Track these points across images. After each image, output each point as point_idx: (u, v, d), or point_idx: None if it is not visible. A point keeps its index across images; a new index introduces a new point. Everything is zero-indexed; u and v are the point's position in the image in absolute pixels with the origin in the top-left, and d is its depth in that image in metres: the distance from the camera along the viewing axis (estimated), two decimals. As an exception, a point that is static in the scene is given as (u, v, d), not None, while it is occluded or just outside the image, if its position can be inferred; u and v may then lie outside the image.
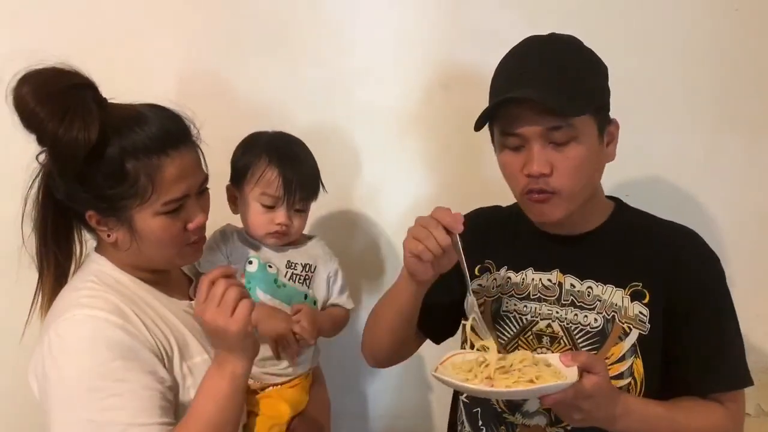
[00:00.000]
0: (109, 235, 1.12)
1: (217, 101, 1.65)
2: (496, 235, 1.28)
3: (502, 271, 1.24)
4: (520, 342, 1.18)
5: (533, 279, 1.20)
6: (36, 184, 1.12)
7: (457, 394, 1.32)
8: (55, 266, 1.15)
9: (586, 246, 1.18)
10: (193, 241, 1.17)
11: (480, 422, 1.22)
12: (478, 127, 1.12)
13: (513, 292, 1.21)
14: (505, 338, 1.19)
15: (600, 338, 1.12)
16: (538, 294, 1.18)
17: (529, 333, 1.17)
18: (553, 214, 1.11)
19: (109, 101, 1.09)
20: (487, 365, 1.02)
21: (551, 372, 0.98)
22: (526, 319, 1.19)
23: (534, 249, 1.22)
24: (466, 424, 1.25)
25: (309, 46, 1.66)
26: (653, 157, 1.58)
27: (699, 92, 1.59)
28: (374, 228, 1.74)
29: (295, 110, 1.65)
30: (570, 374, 0.97)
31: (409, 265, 1.10)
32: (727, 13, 1.57)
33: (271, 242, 1.35)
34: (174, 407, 1.10)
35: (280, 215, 1.31)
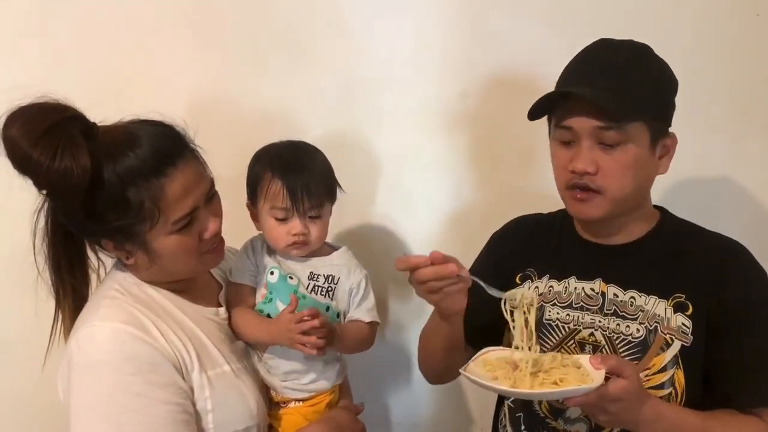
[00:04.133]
0: (128, 257, 1.13)
1: (236, 110, 1.64)
2: (538, 244, 1.30)
3: (545, 279, 1.26)
4: (562, 350, 1.20)
5: (576, 288, 1.22)
6: (43, 217, 1.11)
7: (501, 398, 1.35)
8: (72, 295, 1.15)
9: (630, 256, 1.20)
10: (212, 248, 1.17)
11: (522, 426, 1.25)
12: (532, 116, 1.15)
13: (556, 300, 1.24)
14: (548, 346, 1.22)
15: (641, 348, 1.14)
16: (581, 303, 1.21)
17: (572, 341, 1.20)
18: (593, 212, 1.13)
19: (99, 125, 1.07)
20: (517, 365, 1.06)
21: (578, 374, 1.01)
22: (568, 327, 1.21)
23: (577, 258, 1.24)
24: (508, 427, 1.28)
25: (327, 54, 1.65)
26: (672, 162, 1.57)
27: (719, 97, 1.58)
28: (392, 234, 1.74)
29: (314, 118, 1.65)
30: (597, 377, 0.99)
31: (437, 306, 1.14)
32: (748, 18, 1.55)
33: (294, 254, 1.32)
34: (195, 418, 1.11)
35: (295, 225, 1.28)
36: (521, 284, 1.29)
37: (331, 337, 1.24)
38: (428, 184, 1.70)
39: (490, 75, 1.56)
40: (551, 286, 1.25)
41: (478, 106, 1.57)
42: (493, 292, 1.12)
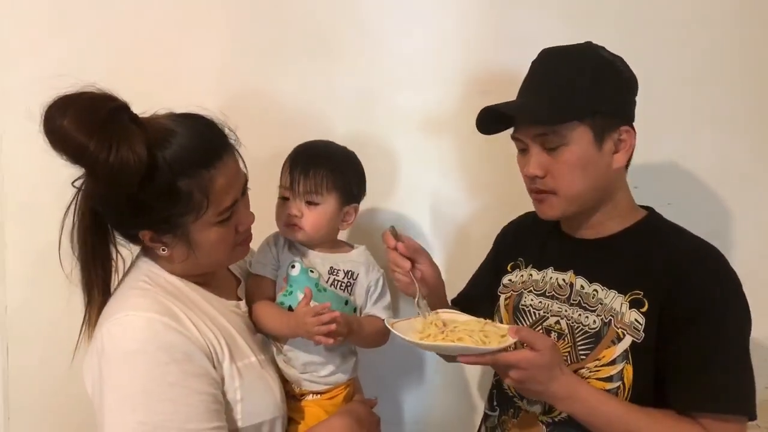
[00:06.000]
0: (164, 250, 1.12)
1: (257, 110, 1.67)
2: (531, 236, 1.37)
3: (528, 268, 1.34)
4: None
5: (551, 278, 1.27)
6: (74, 211, 1.09)
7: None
8: (102, 290, 1.13)
9: (600, 250, 1.22)
10: (243, 241, 1.20)
11: (495, 402, 1.34)
12: (486, 132, 1.26)
13: (532, 288, 1.30)
14: None
15: (595, 339, 1.17)
16: (553, 292, 1.26)
17: (540, 327, 1.26)
18: (549, 212, 1.20)
19: (140, 117, 1.07)
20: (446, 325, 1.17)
21: (484, 339, 1.09)
22: (538, 314, 1.27)
23: (557, 250, 1.30)
24: (487, 403, 1.38)
25: (348, 54, 1.67)
26: (695, 165, 1.51)
27: (742, 99, 1.49)
28: (412, 233, 1.70)
29: (334, 117, 1.67)
30: (506, 344, 1.07)
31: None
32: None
33: (289, 237, 1.36)
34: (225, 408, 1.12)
35: (290, 205, 1.33)
36: (511, 272, 1.38)
37: (349, 328, 1.27)
38: (447, 184, 1.72)
39: (510, 73, 1.51)
40: (531, 275, 1.32)
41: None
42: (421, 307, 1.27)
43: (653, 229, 1.21)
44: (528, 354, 1.06)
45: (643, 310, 1.13)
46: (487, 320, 1.18)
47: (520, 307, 1.31)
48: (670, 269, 1.13)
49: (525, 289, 1.31)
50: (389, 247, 1.28)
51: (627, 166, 1.23)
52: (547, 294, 1.27)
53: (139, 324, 1.05)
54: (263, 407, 1.18)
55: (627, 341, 1.13)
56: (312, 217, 1.34)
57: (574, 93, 1.14)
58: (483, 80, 1.63)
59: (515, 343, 1.10)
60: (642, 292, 1.14)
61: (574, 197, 1.17)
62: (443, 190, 1.72)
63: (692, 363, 1.08)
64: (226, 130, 1.16)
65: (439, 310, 1.25)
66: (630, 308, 1.14)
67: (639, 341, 1.12)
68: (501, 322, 1.34)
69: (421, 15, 1.66)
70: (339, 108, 1.69)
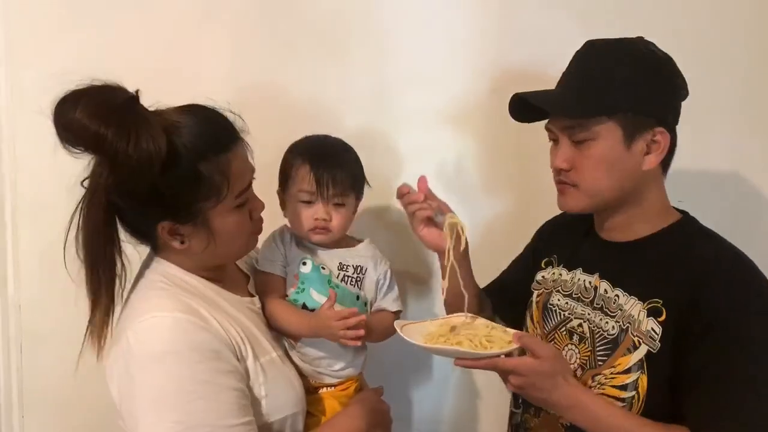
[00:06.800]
0: (182, 242, 1.11)
1: (269, 106, 1.65)
2: (566, 234, 1.35)
3: (560, 267, 1.32)
4: (555, 335, 1.26)
5: (579, 279, 1.25)
6: (82, 211, 1.05)
7: None
8: (109, 292, 1.09)
9: (626, 254, 1.19)
10: (256, 229, 1.22)
11: (519, 400, 1.34)
12: (516, 119, 1.24)
13: (561, 288, 1.29)
14: (546, 329, 1.28)
15: (612, 346, 1.14)
16: (579, 294, 1.24)
17: (563, 329, 1.24)
18: (569, 204, 1.18)
19: (149, 109, 1.05)
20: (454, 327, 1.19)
21: (486, 343, 1.10)
22: (564, 314, 1.26)
23: (587, 251, 1.27)
24: (512, 401, 1.39)
25: (359, 52, 1.66)
26: (710, 161, 1.43)
27: (757, 94, 1.40)
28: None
29: (345, 115, 1.66)
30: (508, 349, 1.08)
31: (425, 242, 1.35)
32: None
33: (316, 239, 1.35)
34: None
35: (318, 209, 1.32)
36: (545, 268, 1.36)
37: (368, 329, 1.29)
38: (458, 180, 1.69)
39: (521, 71, 1.53)
40: (561, 274, 1.30)
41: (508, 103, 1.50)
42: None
43: (682, 234, 1.15)
44: (528, 361, 1.06)
45: (660, 319, 1.09)
46: (496, 324, 1.18)
47: (548, 305, 1.30)
48: (689, 278, 1.08)
49: (555, 288, 1.30)
50: (401, 195, 1.32)
51: (666, 169, 1.18)
52: (574, 295, 1.25)
53: (167, 324, 1.05)
54: (286, 402, 1.19)
55: (642, 350, 1.10)
56: (339, 219, 1.35)
57: (607, 88, 1.10)
58: (495, 78, 1.61)
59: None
60: (661, 301, 1.10)
61: (596, 193, 1.14)
62: (454, 188, 1.67)
63: (709, 379, 1.03)
64: (231, 116, 1.15)
65: (452, 315, 1.28)
66: (647, 316, 1.10)
67: (654, 351, 1.08)
68: (532, 318, 1.34)
69: (432, 13, 1.65)
70: (350, 105, 1.68)
